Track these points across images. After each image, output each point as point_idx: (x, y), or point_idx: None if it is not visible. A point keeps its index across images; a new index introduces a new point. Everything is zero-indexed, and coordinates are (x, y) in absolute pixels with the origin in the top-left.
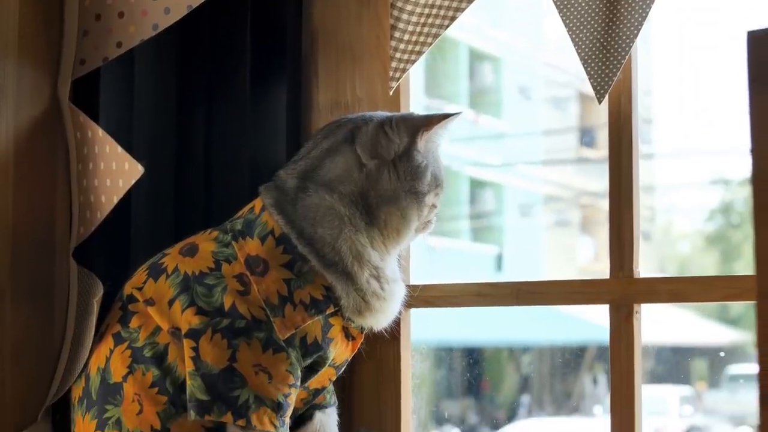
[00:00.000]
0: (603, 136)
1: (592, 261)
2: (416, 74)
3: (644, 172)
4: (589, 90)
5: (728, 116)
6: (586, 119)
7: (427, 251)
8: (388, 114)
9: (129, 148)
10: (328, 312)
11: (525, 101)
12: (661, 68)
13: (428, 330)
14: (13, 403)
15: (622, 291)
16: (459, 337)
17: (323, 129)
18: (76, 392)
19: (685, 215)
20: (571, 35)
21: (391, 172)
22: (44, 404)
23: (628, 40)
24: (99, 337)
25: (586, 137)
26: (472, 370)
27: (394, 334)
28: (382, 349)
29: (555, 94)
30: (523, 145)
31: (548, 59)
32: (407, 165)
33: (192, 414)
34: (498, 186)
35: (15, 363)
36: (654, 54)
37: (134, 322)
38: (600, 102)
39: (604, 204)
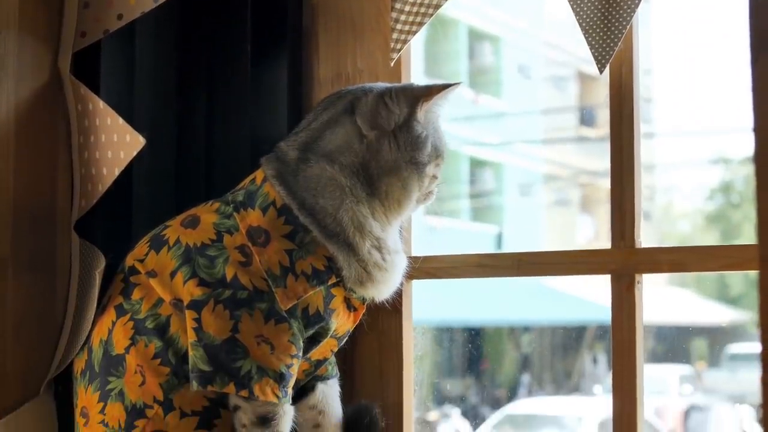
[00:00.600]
0: (602, 115)
1: (591, 239)
2: (416, 54)
3: (644, 151)
4: (588, 69)
5: (728, 95)
6: (586, 98)
7: (426, 231)
8: (388, 85)
9: (130, 121)
10: (329, 283)
11: (524, 80)
12: (662, 47)
13: (429, 309)
14: (15, 376)
15: (624, 261)
16: (459, 316)
17: (323, 101)
18: (79, 365)
19: (685, 194)
20: (572, 5)
21: (392, 142)
22: (46, 377)
23: (629, 10)
24: (101, 310)
25: (586, 116)
26: (472, 350)
27: (395, 305)
28: (384, 321)
29: (554, 74)
30: (522, 124)
31: (547, 38)
32: (407, 135)
33: (194, 385)
34: (498, 165)
35: (17, 336)
36: (654, 33)
37: (136, 294)
38: (601, 72)
39: (604, 183)
